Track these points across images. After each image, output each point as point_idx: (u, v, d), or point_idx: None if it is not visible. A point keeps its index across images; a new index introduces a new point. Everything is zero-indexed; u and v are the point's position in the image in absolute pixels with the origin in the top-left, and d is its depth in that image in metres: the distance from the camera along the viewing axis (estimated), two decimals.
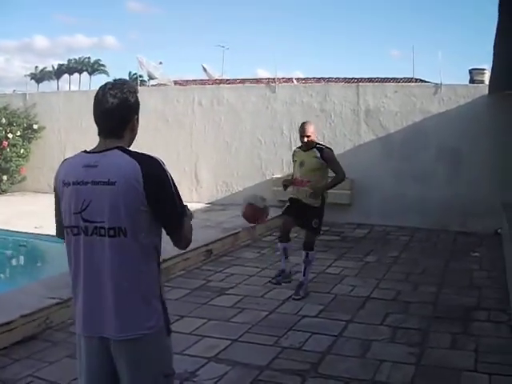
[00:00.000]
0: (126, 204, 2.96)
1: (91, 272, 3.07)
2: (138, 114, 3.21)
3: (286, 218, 8.40)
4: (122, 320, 3.05)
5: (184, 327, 6.67)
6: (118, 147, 3.07)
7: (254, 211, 7.75)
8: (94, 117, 3.17)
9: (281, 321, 7.05)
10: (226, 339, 6.37)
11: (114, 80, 3.25)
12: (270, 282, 8.66)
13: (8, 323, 6.07)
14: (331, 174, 8.32)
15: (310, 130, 8.17)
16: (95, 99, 3.16)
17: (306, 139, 8.14)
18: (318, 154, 8.09)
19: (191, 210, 3.38)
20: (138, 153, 3.07)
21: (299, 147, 8.44)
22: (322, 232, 8.70)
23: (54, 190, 3.22)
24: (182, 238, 3.24)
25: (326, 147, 8.37)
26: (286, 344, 6.30)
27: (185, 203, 3.25)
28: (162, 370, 3.20)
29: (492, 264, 10.05)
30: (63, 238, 3.23)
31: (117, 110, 3.09)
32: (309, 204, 8.11)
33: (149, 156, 3.06)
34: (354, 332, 6.70)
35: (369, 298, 8.09)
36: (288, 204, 8.41)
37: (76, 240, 3.09)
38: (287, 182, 8.40)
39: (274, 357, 5.94)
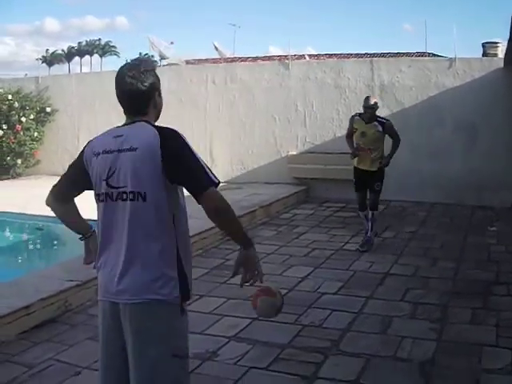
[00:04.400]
0: (145, 169, 3.08)
1: (112, 237, 3.20)
2: (158, 90, 3.32)
3: (359, 193, 9.57)
4: (130, 283, 3.11)
5: (203, 307, 6.66)
6: (143, 120, 3.21)
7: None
8: (117, 97, 3.28)
9: (300, 298, 7.01)
10: (246, 318, 6.32)
11: (132, 60, 3.36)
12: (357, 249, 9.32)
13: (27, 307, 6.08)
14: None
15: (375, 104, 9.14)
16: (116, 81, 3.27)
17: (370, 111, 9.10)
18: (380, 128, 9.16)
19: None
20: (160, 126, 3.21)
21: (359, 115, 9.38)
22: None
23: (80, 157, 3.34)
24: (210, 204, 3.10)
25: (387, 120, 9.36)
26: (306, 322, 6.29)
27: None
28: (170, 348, 3.14)
29: (510, 238, 9.98)
30: (51, 192, 3.50)
31: (136, 91, 3.21)
32: (371, 170, 9.25)
33: (169, 128, 3.19)
34: (374, 308, 6.69)
35: (388, 274, 8.06)
36: (355, 180, 9.54)
37: (103, 206, 3.23)
38: (355, 151, 9.34)
39: (295, 335, 5.93)
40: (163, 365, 3.13)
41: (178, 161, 3.09)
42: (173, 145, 3.10)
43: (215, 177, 3.12)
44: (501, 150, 12.86)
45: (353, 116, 9.57)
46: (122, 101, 3.28)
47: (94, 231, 3.56)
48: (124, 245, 3.12)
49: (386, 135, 9.31)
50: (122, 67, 3.28)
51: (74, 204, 3.51)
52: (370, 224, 9.44)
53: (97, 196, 3.25)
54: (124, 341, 3.17)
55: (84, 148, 3.34)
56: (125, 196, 3.12)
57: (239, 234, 3.27)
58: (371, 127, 9.13)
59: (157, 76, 3.31)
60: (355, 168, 9.49)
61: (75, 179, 3.39)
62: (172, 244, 3.15)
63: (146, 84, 3.21)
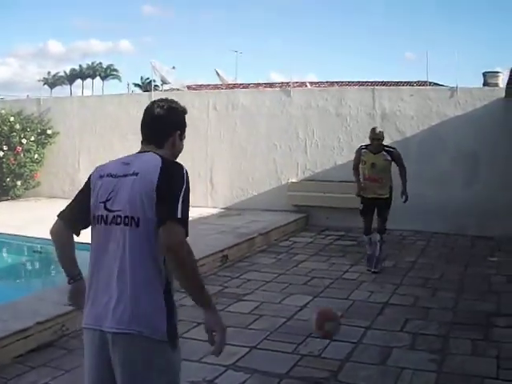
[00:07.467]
0: (141, 193, 3.05)
1: (104, 261, 3.13)
2: (181, 131, 3.38)
3: (366, 217, 9.92)
4: (121, 312, 3.01)
5: (201, 334, 6.49)
6: (155, 152, 3.23)
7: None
8: (140, 125, 3.37)
9: (299, 327, 6.93)
10: (245, 346, 6.29)
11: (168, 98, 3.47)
12: (368, 270, 9.77)
13: (24, 330, 6.03)
14: None
15: (381, 134, 9.52)
16: (145, 109, 3.42)
17: (377, 142, 9.46)
18: (389, 157, 9.55)
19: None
20: (169, 158, 3.25)
21: (365, 147, 9.67)
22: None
23: (87, 182, 3.32)
24: (165, 240, 2.94)
25: (394, 148, 9.83)
26: (304, 351, 6.23)
27: None
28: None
29: (510, 269, 9.93)
30: (61, 219, 3.33)
31: (159, 119, 3.32)
32: (381, 197, 9.63)
33: (176, 161, 3.26)
34: (373, 339, 6.62)
35: (387, 303, 8.00)
36: (363, 205, 9.82)
37: (97, 229, 3.19)
38: (361, 186, 9.72)
39: (294, 364, 5.87)
40: None
41: (165, 188, 3.02)
42: (170, 173, 3.08)
43: (186, 214, 3.01)
44: (503, 179, 12.81)
45: (360, 148, 9.77)
46: (142, 127, 3.37)
47: (82, 277, 3.39)
48: (115, 271, 3.05)
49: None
50: (155, 99, 3.42)
51: (73, 243, 3.36)
52: (378, 246, 9.81)
53: (92, 218, 3.20)
54: (111, 370, 3.08)
55: (92, 173, 3.33)
56: (119, 220, 3.08)
57: (196, 292, 3.11)
58: (380, 157, 9.50)
59: (184, 120, 3.43)
60: (363, 197, 9.78)
61: (83, 206, 3.25)
62: (162, 276, 3.08)
63: (170, 117, 3.34)
